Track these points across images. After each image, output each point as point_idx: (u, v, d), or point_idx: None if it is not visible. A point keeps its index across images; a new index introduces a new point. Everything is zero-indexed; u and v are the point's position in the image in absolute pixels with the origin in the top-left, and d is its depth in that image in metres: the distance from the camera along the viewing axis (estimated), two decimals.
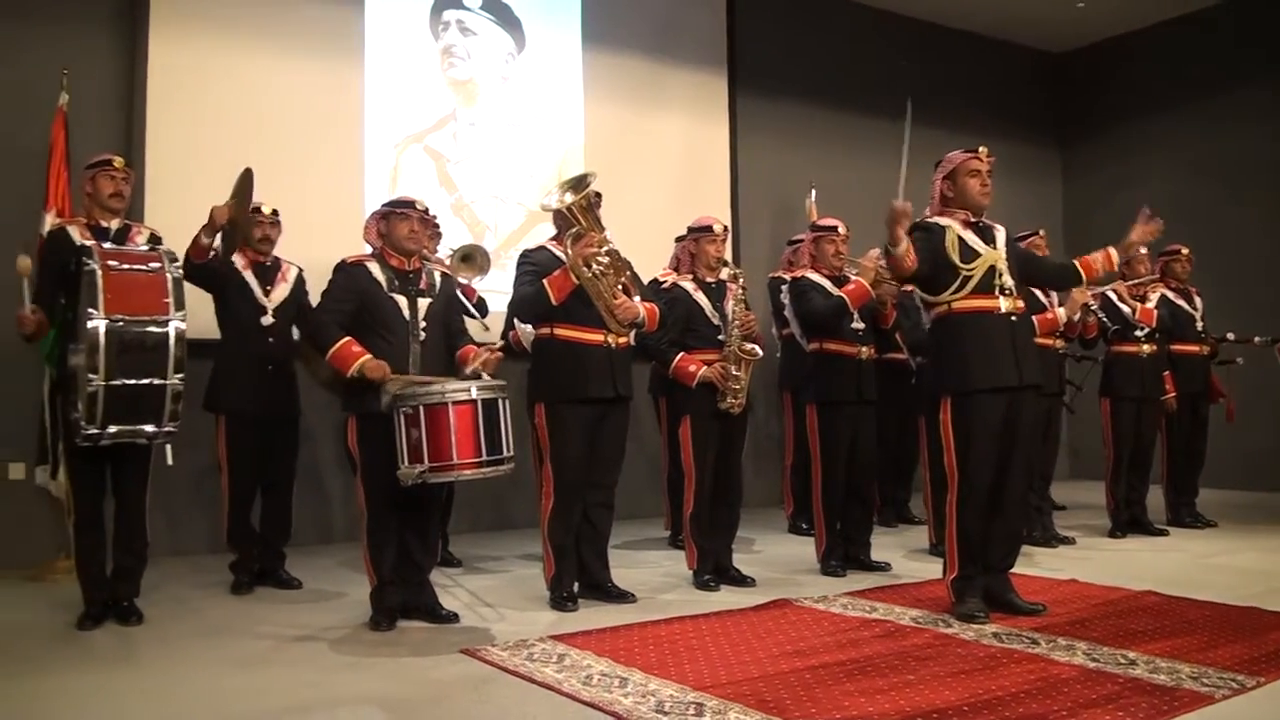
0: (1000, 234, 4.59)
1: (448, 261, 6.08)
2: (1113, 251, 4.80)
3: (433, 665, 3.85)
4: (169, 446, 4.43)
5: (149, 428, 4.22)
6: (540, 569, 4.99)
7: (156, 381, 4.15)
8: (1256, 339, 7.40)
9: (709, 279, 5.34)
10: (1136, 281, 6.94)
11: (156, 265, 4.31)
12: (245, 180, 4.94)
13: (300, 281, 5.51)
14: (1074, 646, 3.93)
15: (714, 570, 5.29)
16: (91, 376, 4.03)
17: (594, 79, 8.27)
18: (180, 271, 4.37)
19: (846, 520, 5.64)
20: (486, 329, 5.92)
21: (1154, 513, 7.06)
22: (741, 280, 5.30)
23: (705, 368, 5.13)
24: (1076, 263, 4.82)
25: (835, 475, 5.53)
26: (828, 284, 5.56)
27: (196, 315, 5.12)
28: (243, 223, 5.08)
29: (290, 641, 4.28)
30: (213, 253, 5.01)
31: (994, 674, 3.58)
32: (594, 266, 4.67)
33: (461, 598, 5.09)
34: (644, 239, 6.91)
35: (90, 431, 4.12)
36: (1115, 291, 6.79)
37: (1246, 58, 9.78)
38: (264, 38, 6.88)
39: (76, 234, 4.60)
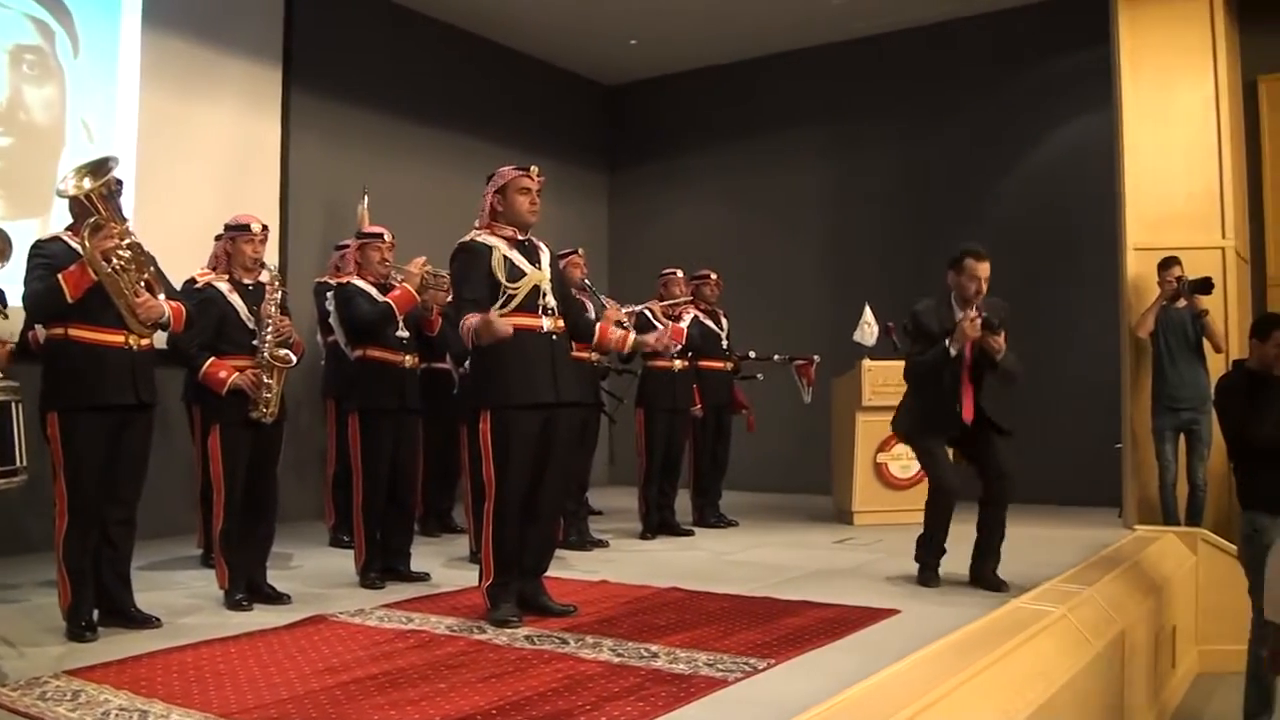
0: (545, 254, 4.74)
1: None
2: (631, 336, 5.24)
3: None
4: None
5: None
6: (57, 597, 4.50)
7: None
8: (775, 357, 8.26)
9: (246, 280, 5.08)
10: (671, 302, 7.44)
11: None
12: None
13: None
14: (600, 643, 4.10)
15: (247, 589, 5.02)
16: None
17: (146, 60, 7.61)
18: None
19: (386, 529, 5.57)
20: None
21: (682, 514, 7.56)
22: (279, 283, 5.11)
23: (236, 374, 4.88)
24: (598, 327, 5.15)
25: (376, 484, 5.46)
26: (374, 291, 5.51)
27: None
28: None
29: None
30: None
31: (524, 675, 3.66)
32: (114, 261, 4.30)
33: None
34: (189, 236, 6.52)
35: None
36: (650, 310, 7.22)
37: (789, 104, 10.83)
38: None
39: None
